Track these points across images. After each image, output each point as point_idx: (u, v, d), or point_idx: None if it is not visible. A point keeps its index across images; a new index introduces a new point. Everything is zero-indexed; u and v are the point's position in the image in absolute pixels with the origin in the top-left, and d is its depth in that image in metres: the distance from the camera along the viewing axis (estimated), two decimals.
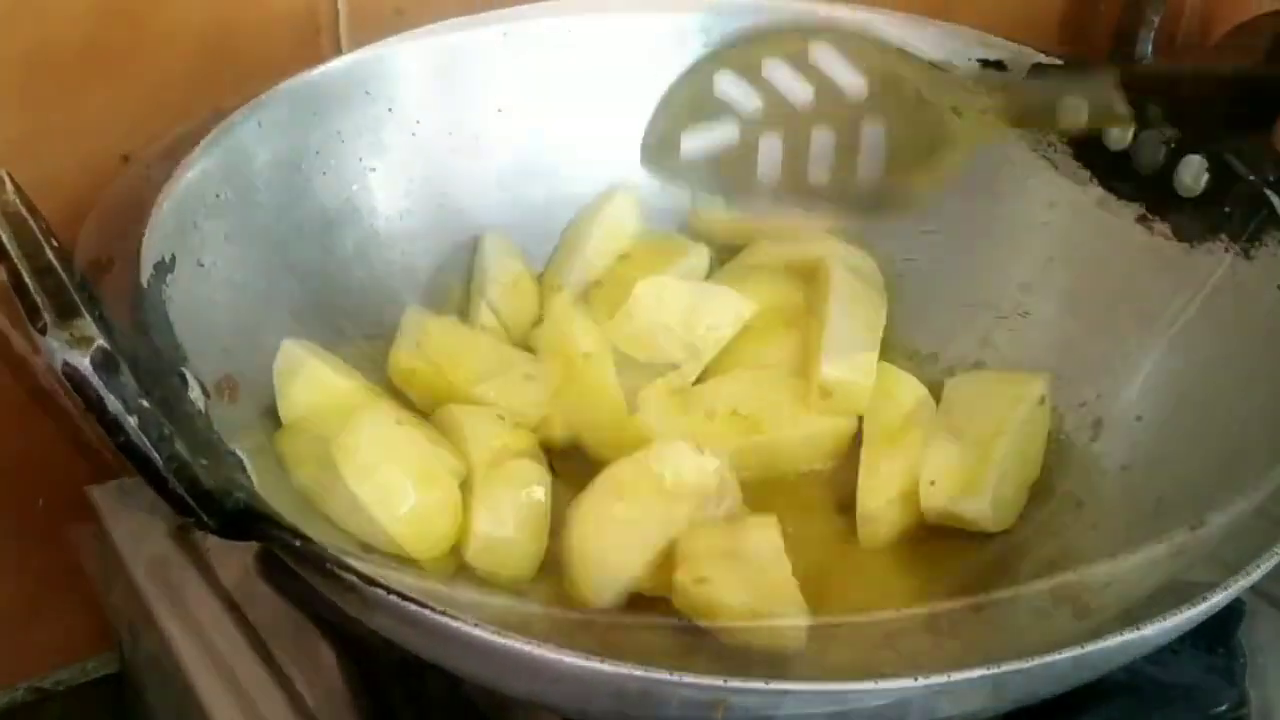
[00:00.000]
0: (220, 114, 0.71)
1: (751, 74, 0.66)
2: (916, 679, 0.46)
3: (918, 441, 0.69)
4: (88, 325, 0.49)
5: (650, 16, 0.81)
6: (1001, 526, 0.68)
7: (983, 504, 0.68)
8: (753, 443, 0.71)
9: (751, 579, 0.60)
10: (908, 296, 0.79)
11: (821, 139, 0.67)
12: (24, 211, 0.53)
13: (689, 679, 0.46)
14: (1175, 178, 0.71)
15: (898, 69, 0.66)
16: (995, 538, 0.68)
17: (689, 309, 0.75)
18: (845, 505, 0.70)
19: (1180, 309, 0.70)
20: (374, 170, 0.76)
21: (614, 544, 0.63)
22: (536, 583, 0.64)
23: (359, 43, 0.77)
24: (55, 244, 0.53)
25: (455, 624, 0.47)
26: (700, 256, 0.79)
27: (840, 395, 0.71)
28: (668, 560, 0.62)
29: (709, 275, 0.79)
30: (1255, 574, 0.52)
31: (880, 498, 0.68)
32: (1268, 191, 0.68)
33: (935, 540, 0.69)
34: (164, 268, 0.63)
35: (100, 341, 0.48)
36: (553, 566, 0.65)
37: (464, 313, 0.77)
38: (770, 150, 0.67)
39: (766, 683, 0.46)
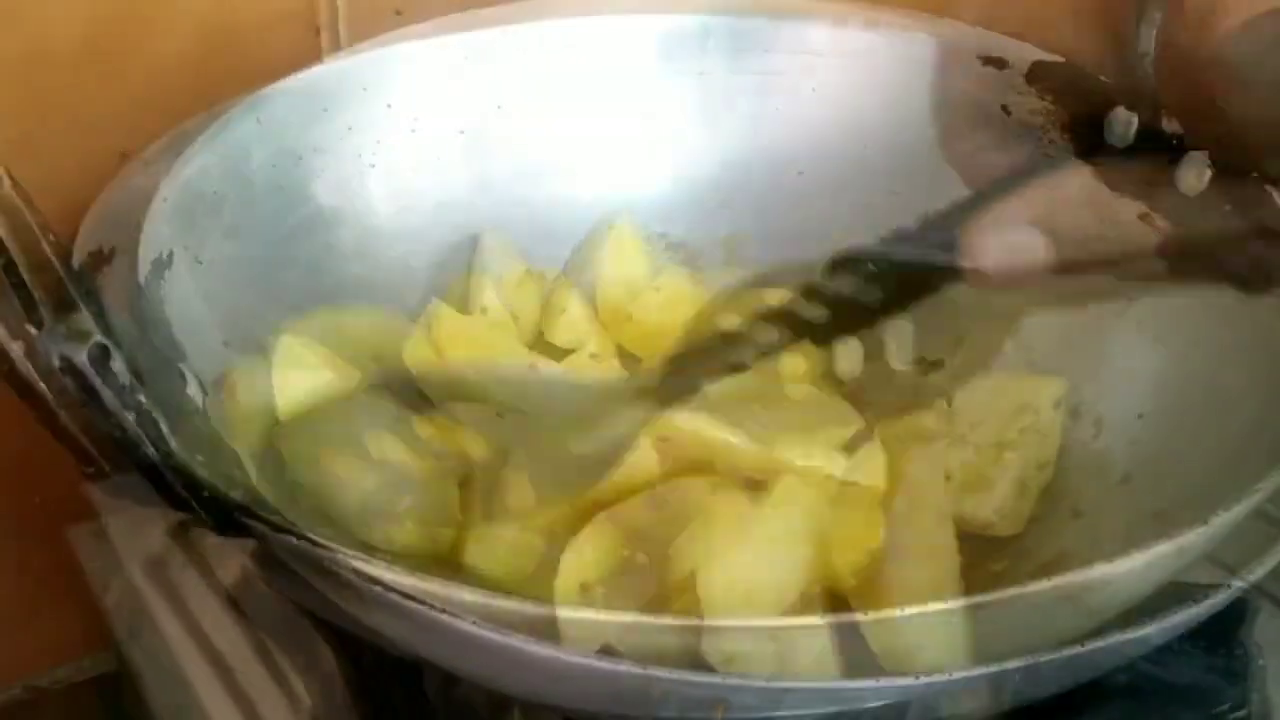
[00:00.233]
0: (219, 111, 0.71)
1: None
2: (918, 677, 0.46)
3: None
4: (85, 320, 0.49)
5: (650, 18, 0.81)
6: (1011, 531, 0.68)
7: (992, 508, 0.68)
8: None
9: None
10: None
11: None
12: (21, 205, 0.53)
13: (688, 676, 0.46)
14: (1178, 175, 0.70)
15: None
16: (997, 541, 0.68)
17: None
18: None
19: (1163, 297, 0.70)
20: (373, 167, 0.76)
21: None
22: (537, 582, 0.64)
23: (358, 41, 0.78)
24: (53, 238, 0.53)
25: (453, 620, 0.47)
26: None
27: None
28: None
29: None
30: (1258, 572, 0.52)
31: None
32: (1268, 187, 0.67)
33: None
34: (161, 264, 0.64)
35: (98, 336, 0.49)
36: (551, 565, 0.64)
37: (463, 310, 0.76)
38: None
39: (767, 681, 0.46)
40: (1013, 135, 0.76)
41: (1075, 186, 0.49)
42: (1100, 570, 0.49)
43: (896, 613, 0.46)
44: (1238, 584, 0.52)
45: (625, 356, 0.76)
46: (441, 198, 0.78)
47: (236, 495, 0.51)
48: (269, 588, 0.66)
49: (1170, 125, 0.71)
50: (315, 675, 0.65)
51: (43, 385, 0.48)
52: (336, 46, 0.80)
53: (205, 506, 0.50)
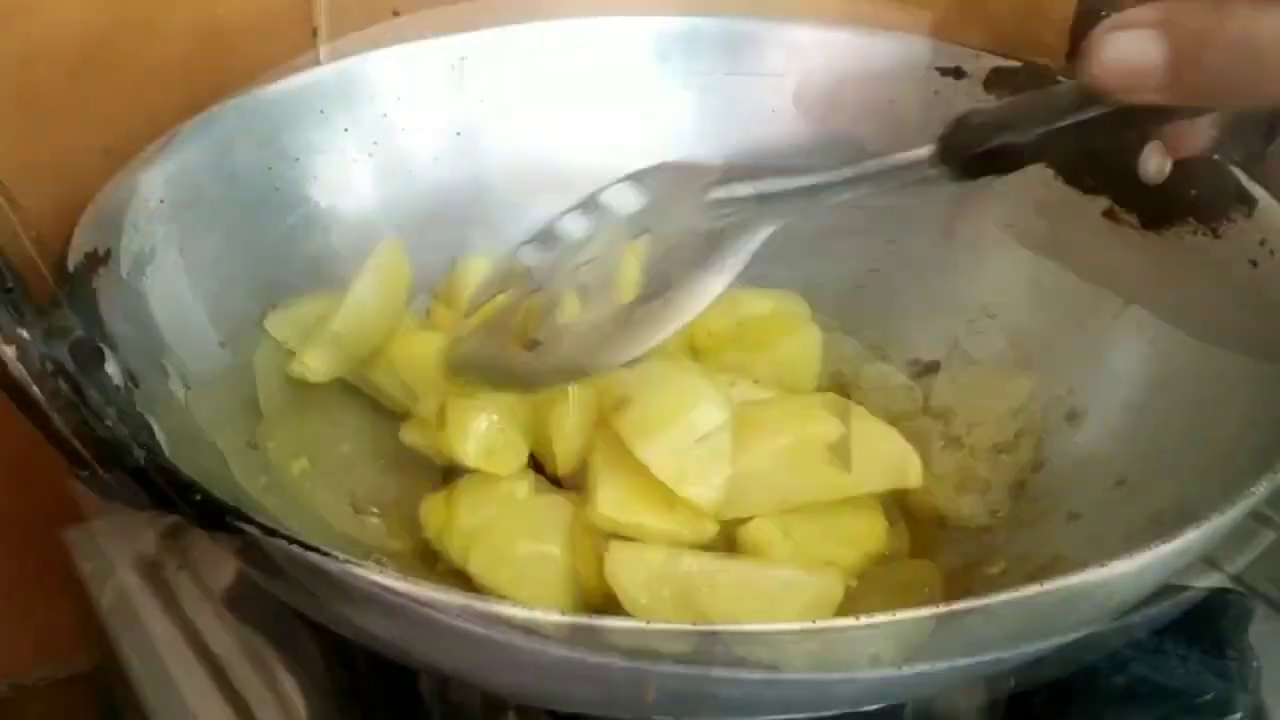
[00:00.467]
0: (216, 112, 0.71)
1: None
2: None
3: None
4: (76, 322, 0.50)
5: (647, 19, 0.82)
6: (984, 523, 0.68)
7: (987, 509, 0.68)
8: None
9: None
10: (872, 305, 0.79)
11: None
12: (5, 207, 0.53)
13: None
14: (1140, 166, 0.70)
15: None
16: (993, 544, 0.68)
17: None
18: None
19: (1152, 295, 0.70)
20: (370, 169, 0.76)
21: None
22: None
23: (356, 42, 0.78)
24: (33, 235, 0.53)
25: (442, 618, 0.47)
26: None
27: None
28: None
29: None
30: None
31: None
32: (1233, 168, 0.68)
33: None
34: (148, 262, 0.65)
35: (88, 338, 0.49)
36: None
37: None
38: None
39: (694, 625, 0.46)
40: None
41: None
42: (1095, 574, 0.49)
43: (891, 617, 0.45)
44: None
45: None
46: (438, 199, 0.78)
47: (226, 498, 0.50)
48: (260, 587, 0.66)
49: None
50: (308, 677, 0.65)
51: (35, 388, 0.48)
52: (334, 47, 0.80)
53: (196, 509, 0.49)
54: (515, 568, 0.60)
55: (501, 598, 0.58)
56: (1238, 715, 0.62)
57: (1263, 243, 0.66)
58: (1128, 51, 0.48)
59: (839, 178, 0.60)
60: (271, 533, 0.48)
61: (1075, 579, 0.48)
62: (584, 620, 0.46)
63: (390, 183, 0.77)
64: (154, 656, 0.67)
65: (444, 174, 0.79)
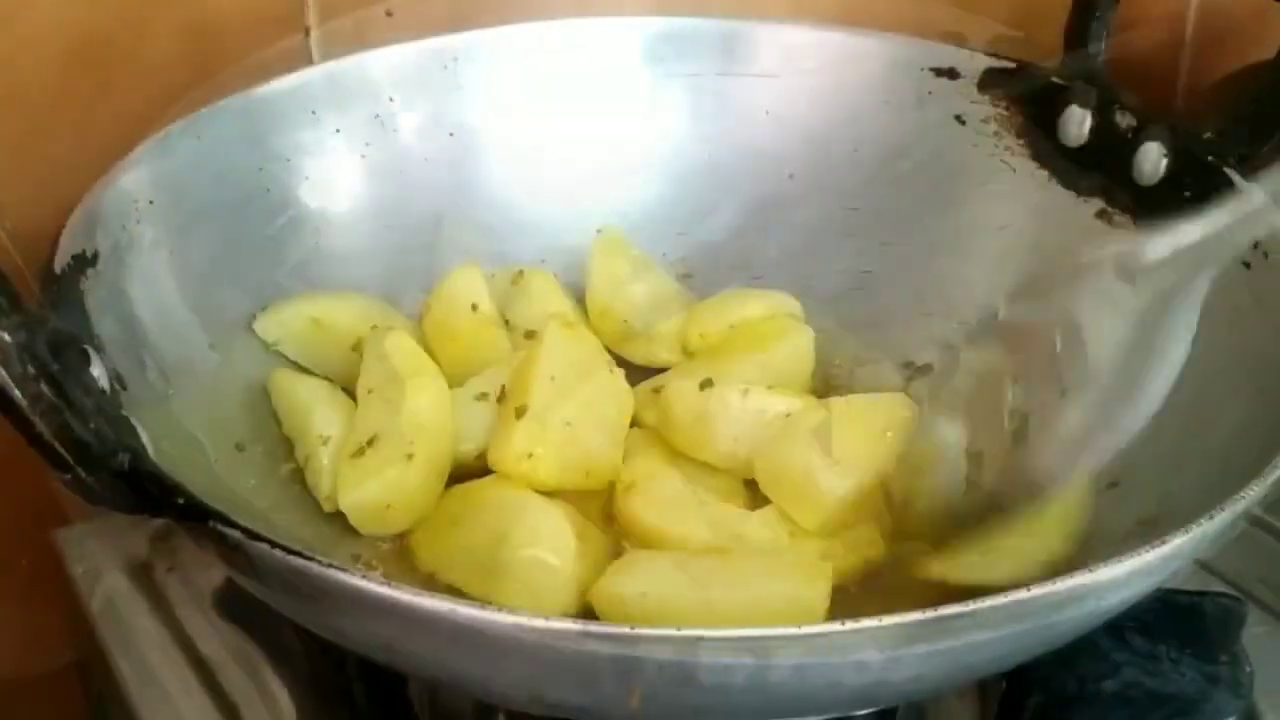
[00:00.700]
0: (206, 114, 0.71)
1: None
2: (843, 622, 0.45)
3: None
4: (61, 325, 0.50)
5: (639, 20, 0.82)
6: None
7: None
8: None
9: None
10: (866, 308, 0.78)
11: None
12: None
13: (594, 629, 0.46)
14: (1134, 167, 0.70)
15: None
16: None
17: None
18: None
19: (1146, 296, 0.68)
20: (361, 170, 0.76)
21: None
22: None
23: (349, 43, 0.78)
24: (8, 226, 0.53)
25: (342, 577, 0.46)
26: None
27: None
28: None
29: None
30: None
31: None
32: (1227, 170, 0.67)
33: None
34: (138, 263, 0.64)
35: (76, 341, 0.48)
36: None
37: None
38: None
39: (678, 629, 0.45)
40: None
41: None
42: (1083, 578, 0.48)
43: (877, 622, 0.45)
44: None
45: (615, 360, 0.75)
46: (430, 200, 0.78)
47: (212, 501, 0.50)
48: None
49: (1124, 120, 0.71)
50: (298, 680, 0.65)
51: (16, 391, 0.48)
52: (326, 48, 0.80)
53: (179, 512, 0.49)
54: (502, 573, 0.60)
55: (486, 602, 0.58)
56: None
57: (1256, 245, 0.65)
58: None
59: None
60: (255, 537, 0.47)
61: (1062, 584, 0.48)
62: (569, 625, 0.45)
63: (382, 184, 0.77)
64: (143, 659, 0.67)
65: (436, 175, 0.78)
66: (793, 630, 0.45)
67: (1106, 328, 0.61)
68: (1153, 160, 0.70)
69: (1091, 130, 0.73)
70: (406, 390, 0.66)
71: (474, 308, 0.73)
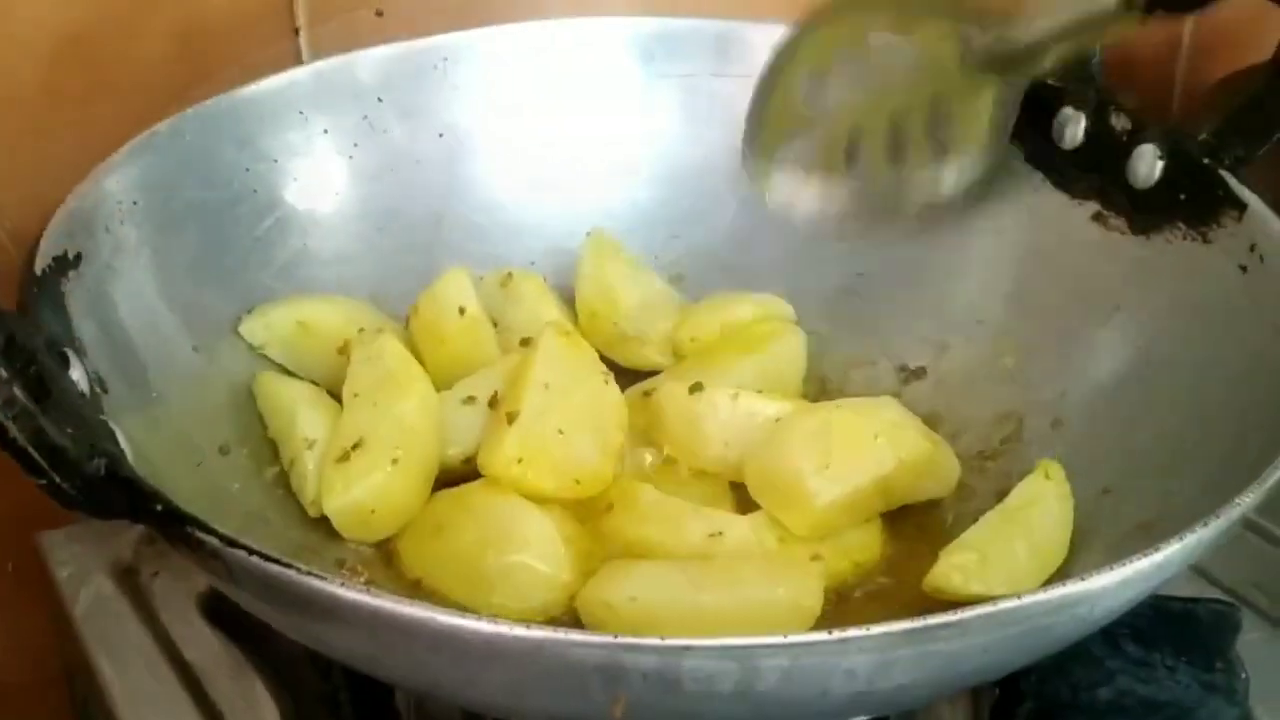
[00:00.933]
0: (191, 114, 0.71)
1: (824, 71, 0.69)
2: (830, 632, 0.45)
3: None
4: (39, 328, 0.49)
5: (631, 20, 0.81)
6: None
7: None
8: None
9: None
10: (859, 310, 0.78)
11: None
12: None
13: (578, 637, 0.45)
14: (1129, 171, 0.70)
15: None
16: None
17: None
18: None
19: (1140, 301, 0.69)
20: (350, 171, 0.76)
21: None
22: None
23: (339, 43, 0.77)
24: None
25: (314, 582, 0.46)
26: None
27: None
28: None
29: None
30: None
31: None
32: (1222, 173, 0.67)
33: None
34: (122, 265, 0.64)
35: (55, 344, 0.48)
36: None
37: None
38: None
39: (662, 639, 0.44)
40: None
41: None
42: (1076, 586, 0.48)
43: (864, 631, 0.44)
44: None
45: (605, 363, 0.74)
46: (420, 202, 0.78)
47: (194, 507, 0.49)
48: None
49: (1119, 122, 0.71)
50: (285, 687, 0.64)
51: None
52: (316, 48, 0.79)
53: (157, 519, 0.48)
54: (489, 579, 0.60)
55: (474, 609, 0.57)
56: None
57: (1253, 248, 0.65)
58: None
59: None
60: (232, 544, 0.47)
61: (1055, 592, 0.47)
62: (551, 634, 0.45)
63: (371, 185, 0.77)
64: (127, 664, 0.66)
65: (426, 177, 0.78)
66: (780, 639, 0.44)
67: None
68: (1148, 163, 0.69)
69: (1086, 132, 0.72)
70: (393, 394, 0.65)
71: (461, 311, 0.72)
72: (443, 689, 0.53)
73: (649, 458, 0.69)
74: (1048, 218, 0.74)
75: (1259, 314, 0.64)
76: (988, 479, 0.70)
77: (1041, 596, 0.47)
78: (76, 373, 0.55)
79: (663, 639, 0.44)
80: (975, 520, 0.64)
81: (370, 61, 0.77)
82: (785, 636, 0.44)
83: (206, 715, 0.64)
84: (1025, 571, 0.60)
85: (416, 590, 0.61)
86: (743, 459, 0.66)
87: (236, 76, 0.73)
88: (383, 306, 0.75)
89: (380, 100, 0.77)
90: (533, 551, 0.60)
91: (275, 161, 0.73)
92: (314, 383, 0.70)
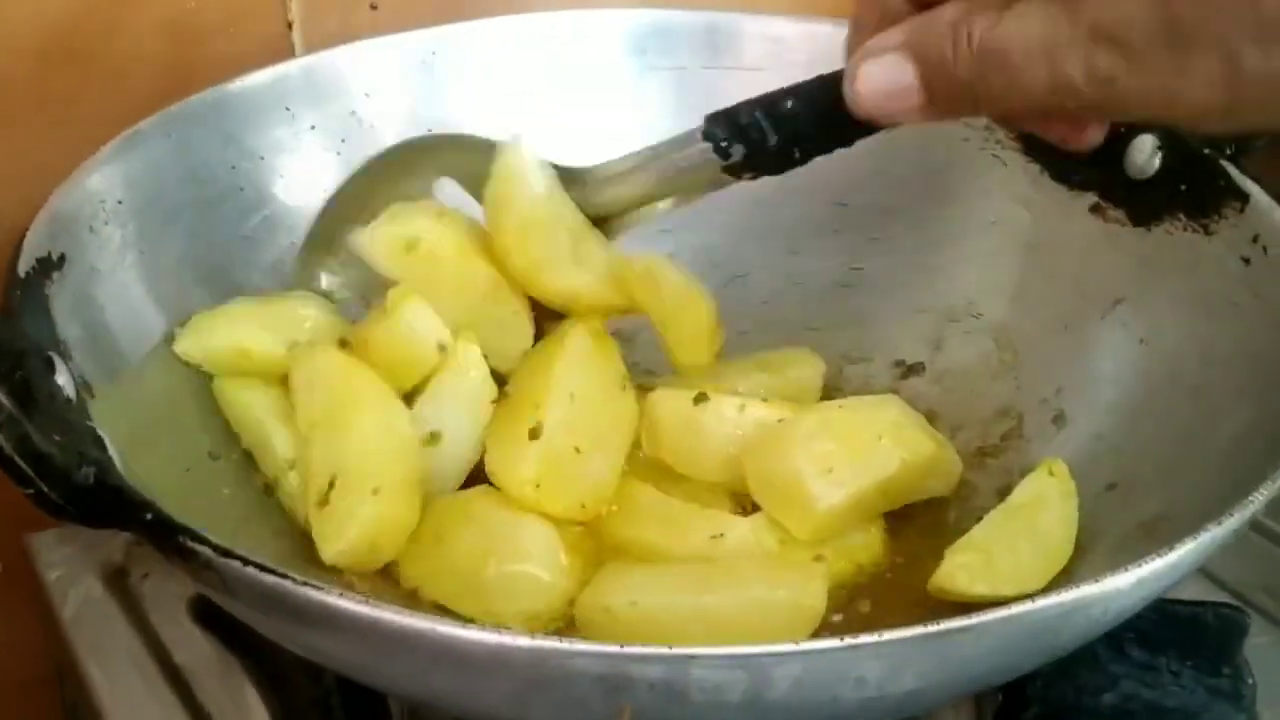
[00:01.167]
0: (176, 111, 0.70)
1: None
2: (842, 638, 0.44)
3: None
4: (20, 332, 0.49)
5: (622, 12, 0.80)
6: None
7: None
8: None
9: None
10: (855, 305, 0.77)
11: None
12: None
13: (581, 648, 0.44)
14: (1127, 161, 0.69)
15: None
16: None
17: None
18: None
19: (1140, 294, 0.69)
20: (338, 167, 0.73)
21: None
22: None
23: (334, 37, 0.77)
24: None
25: (310, 592, 0.45)
26: None
27: None
28: None
29: None
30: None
31: None
32: (1223, 163, 0.66)
33: None
34: (106, 266, 0.63)
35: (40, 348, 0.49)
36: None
37: None
38: None
39: (669, 648, 0.43)
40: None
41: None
42: (1090, 589, 0.47)
43: (876, 637, 0.43)
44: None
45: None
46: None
47: (183, 514, 0.48)
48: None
49: None
50: (275, 691, 0.64)
51: None
52: (310, 42, 0.79)
53: (147, 529, 0.47)
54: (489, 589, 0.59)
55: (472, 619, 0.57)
56: None
57: (1255, 239, 0.65)
58: (881, 80, 0.51)
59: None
60: (226, 554, 0.46)
61: (1068, 595, 0.47)
62: (555, 644, 0.44)
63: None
64: (116, 668, 0.66)
65: None
66: (791, 647, 0.44)
67: None
68: (1146, 154, 0.69)
69: None
70: (348, 415, 0.61)
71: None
72: (443, 700, 0.52)
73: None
74: (1046, 209, 0.73)
75: (1262, 307, 0.63)
76: (989, 476, 0.69)
77: (1056, 599, 0.46)
78: (62, 377, 0.53)
79: (669, 648, 0.43)
80: (977, 518, 0.64)
81: (357, 55, 0.76)
82: (796, 644, 0.43)
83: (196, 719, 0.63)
84: (1031, 571, 0.59)
85: (414, 601, 0.60)
86: (742, 459, 0.65)
87: (230, 72, 0.72)
88: (373, 305, 0.72)
89: (368, 95, 0.76)
90: (535, 561, 0.59)
91: (262, 158, 0.73)
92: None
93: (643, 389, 0.69)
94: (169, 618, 0.68)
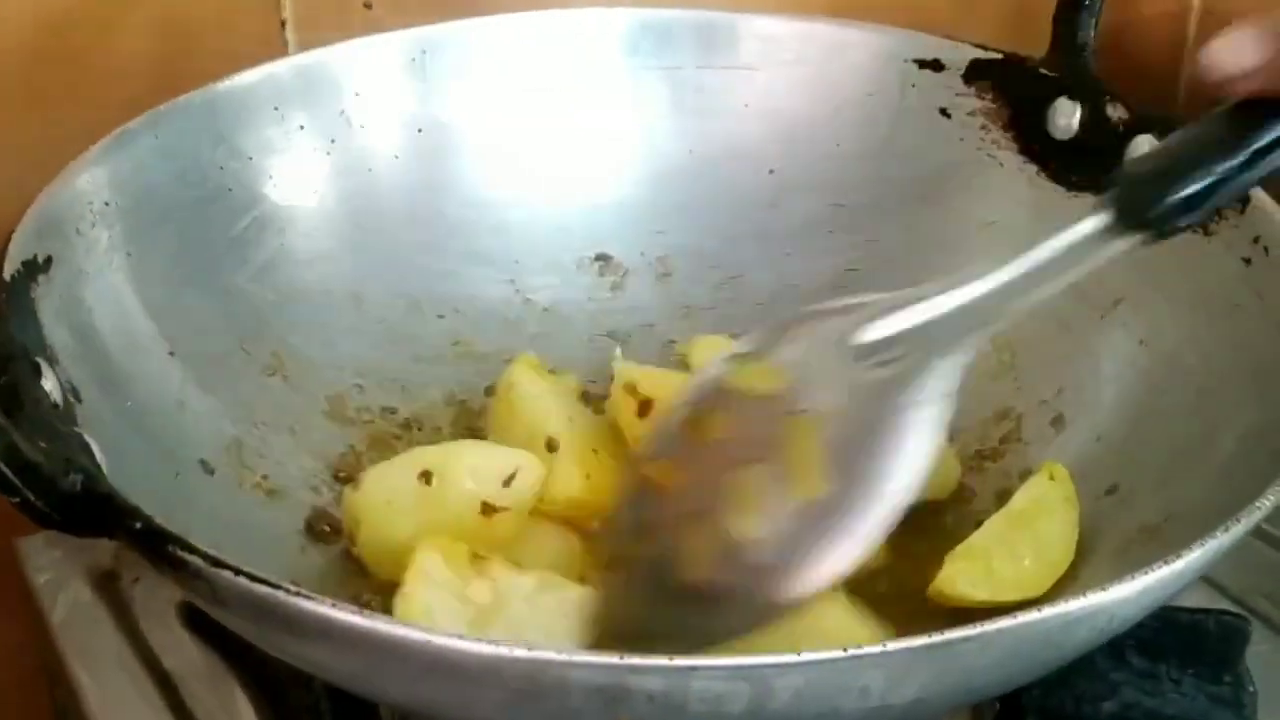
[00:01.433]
0: (165, 110, 0.69)
1: None
2: (845, 649, 0.43)
3: None
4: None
5: (616, 11, 0.80)
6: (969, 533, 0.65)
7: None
8: None
9: None
10: None
11: None
12: None
13: (578, 658, 0.44)
14: (1126, 160, 0.69)
15: None
16: None
17: None
18: None
19: (1140, 295, 0.68)
20: (327, 167, 0.74)
21: None
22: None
23: (327, 35, 0.76)
24: None
25: (304, 603, 0.44)
26: None
27: None
28: None
29: None
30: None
31: None
32: None
33: None
34: (95, 269, 0.63)
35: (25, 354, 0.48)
36: None
37: None
38: None
39: (670, 659, 0.43)
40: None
41: None
42: (1094, 599, 0.46)
43: (880, 648, 0.43)
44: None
45: None
46: (400, 198, 0.76)
47: (172, 523, 0.48)
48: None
49: (1115, 112, 0.70)
50: (265, 697, 0.63)
51: None
52: (304, 41, 0.78)
53: (136, 537, 0.47)
54: None
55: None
56: None
57: (1256, 240, 0.64)
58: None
59: (1006, 282, 0.57)
60: (217, 564, 0.45)
61: (1075, 604, 0.46)
62: (553, 655, 0.43)
63: (349, 182, 0.75)
64: (105, 672, 0.65)
65: (406, 173, 0.77)
66: (793, 658, 0.43)
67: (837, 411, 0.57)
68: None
69: (1081, 123, 0.72)
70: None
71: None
72: (436, 710, 0.52)
73: None
74: (1043, 210, 0.73)
75: (1263, 308, 0.63)
76: (988, 479, 0.69)
77: (1062, 609, 0.46)
78: (49, 382, 0.53)
79: (670, 659, 0.42)
80: (976, 522, 0.64)
81: (346, 55, 0.75)
82: (799, 654, 0.43)
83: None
84: (1032, 577, 0.59)
85: None
86: None
87: (223, 71, 0.71)
88: (362, 305, 0.74)
89: (358, 94, 0.75)
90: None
91: (251, 159, 0.72)
92: None
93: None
94: (159, 623, 0.67)
